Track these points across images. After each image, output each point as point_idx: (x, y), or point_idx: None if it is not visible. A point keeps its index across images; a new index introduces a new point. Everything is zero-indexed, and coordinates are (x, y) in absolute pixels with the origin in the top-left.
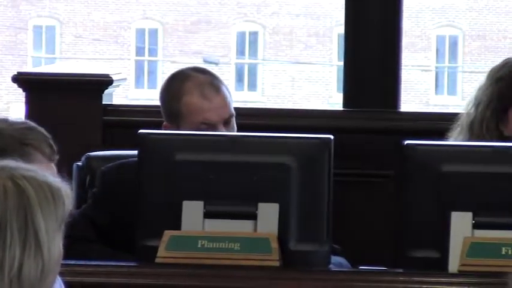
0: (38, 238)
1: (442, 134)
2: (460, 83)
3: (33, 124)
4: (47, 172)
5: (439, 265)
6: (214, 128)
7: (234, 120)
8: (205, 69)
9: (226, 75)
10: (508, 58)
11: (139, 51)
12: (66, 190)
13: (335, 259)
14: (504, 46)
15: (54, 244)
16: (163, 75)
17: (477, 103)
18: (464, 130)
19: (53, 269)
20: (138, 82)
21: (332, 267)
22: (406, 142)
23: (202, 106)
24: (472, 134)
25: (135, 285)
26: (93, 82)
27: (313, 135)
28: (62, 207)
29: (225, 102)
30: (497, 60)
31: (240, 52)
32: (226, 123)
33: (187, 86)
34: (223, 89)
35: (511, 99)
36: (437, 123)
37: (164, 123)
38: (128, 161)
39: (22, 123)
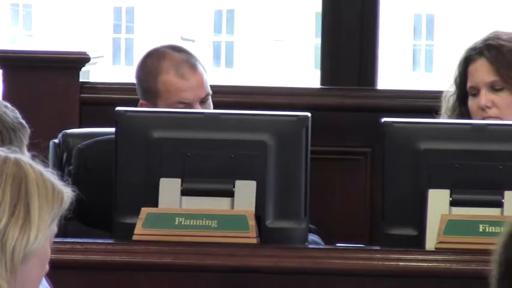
0: (29, 212)
1: (419, 112)
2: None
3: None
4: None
5: (416, 242)
6: (191, 108)
7: (210, 99)
8: (181, 47)
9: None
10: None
11: (116, 28)
12: (68, 192)
13: (310, 237)
14: None
15: (44, 233)
16: (140, 52)
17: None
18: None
19: (37, 257)
20: (115, 59)
21: (310, 243)
22: (384, 119)
23: (179, 85)
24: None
25: (112, 263)
26: (71, 59)
27: (291, 113)
28: (58, 203)
29: (201, 82)
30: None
31: (217, 29)
32: (203, 102)
33: (164, 65)
34: (200, 67)
35: None
36: (415, 101)
37: (140, 101)
38: (104, 138)
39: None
